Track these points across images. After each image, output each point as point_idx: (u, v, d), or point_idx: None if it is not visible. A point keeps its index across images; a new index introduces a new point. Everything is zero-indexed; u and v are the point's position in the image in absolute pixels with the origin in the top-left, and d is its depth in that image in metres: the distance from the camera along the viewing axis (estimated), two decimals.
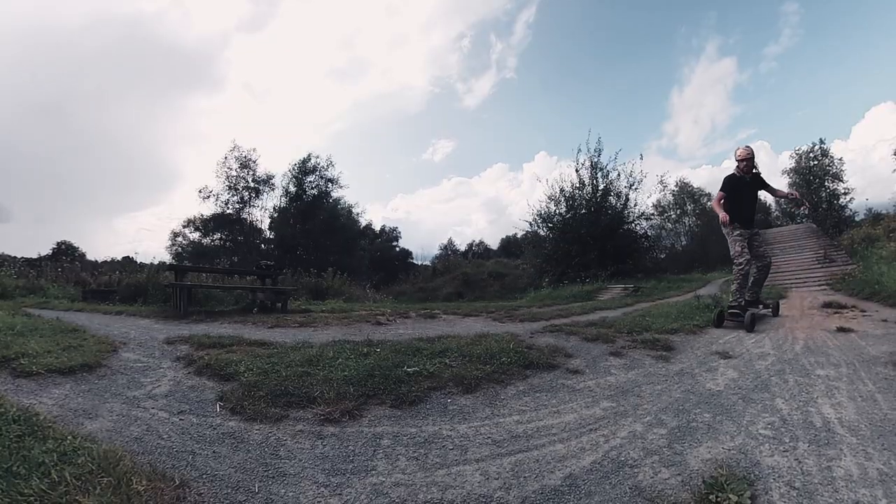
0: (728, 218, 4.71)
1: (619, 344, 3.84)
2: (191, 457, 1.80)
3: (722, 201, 5.02)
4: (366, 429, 2.09)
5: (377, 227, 35.18)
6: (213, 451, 1.85)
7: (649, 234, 22.54)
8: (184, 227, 25.57)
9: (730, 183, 5.10)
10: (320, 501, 1.52)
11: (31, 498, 1.31)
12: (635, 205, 19.15)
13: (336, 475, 1.68)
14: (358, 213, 28.80)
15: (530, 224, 19.89)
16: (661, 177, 29.29)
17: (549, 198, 19.32)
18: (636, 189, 18.87)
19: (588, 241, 17.03)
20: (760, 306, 5.30)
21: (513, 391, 2.65)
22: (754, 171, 5.19)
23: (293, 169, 26.22)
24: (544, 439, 1.99)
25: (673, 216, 34.10)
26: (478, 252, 43.45)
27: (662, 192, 31.38)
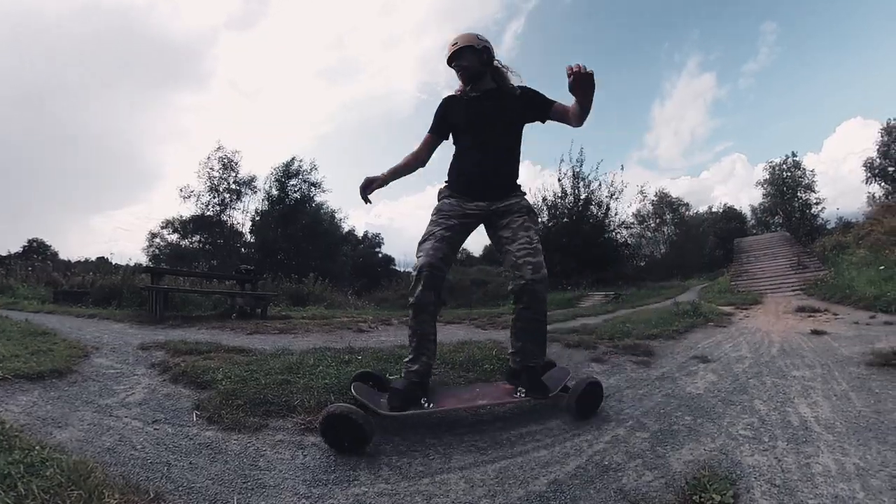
0: (370, 183, 2.41)
1: (600, 350, 3.88)
2: (166, 468, 1.73)
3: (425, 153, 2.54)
4: None
5: (360, 233, 34.76)
6: (190, 463, 1.79)
7: (629, 242, 23.15)
8: (162, 227, 25.08)
9: (444, 111, 2.49)
10: None
11: None
12: (616, 214, 19.74)
13: (317, 486, 1.64)
14: (341, 219, 28.70)
15: None
16: (642, 187, 30.28)
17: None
18: (617, 199, 19.41)
19: (570, 249, 17.30)
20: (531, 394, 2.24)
21: None
22: (510, 85, 2.39)
23: (276, 172, 26.03)
24: (528, 445, 1.99)
25: (652, 225, 35.23)
26: (460, 259, 43.50)
27: (642, 202, 32.40)
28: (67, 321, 5.55)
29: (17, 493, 1.31)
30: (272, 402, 2.35)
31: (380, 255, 34.47)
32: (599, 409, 2.35)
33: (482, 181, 2.34)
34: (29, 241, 27.58)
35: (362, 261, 30.91)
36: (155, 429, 2.11)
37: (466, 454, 1.91)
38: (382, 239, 36.45)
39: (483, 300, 18.97)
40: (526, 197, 2.43)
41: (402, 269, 33.62)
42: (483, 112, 2.35)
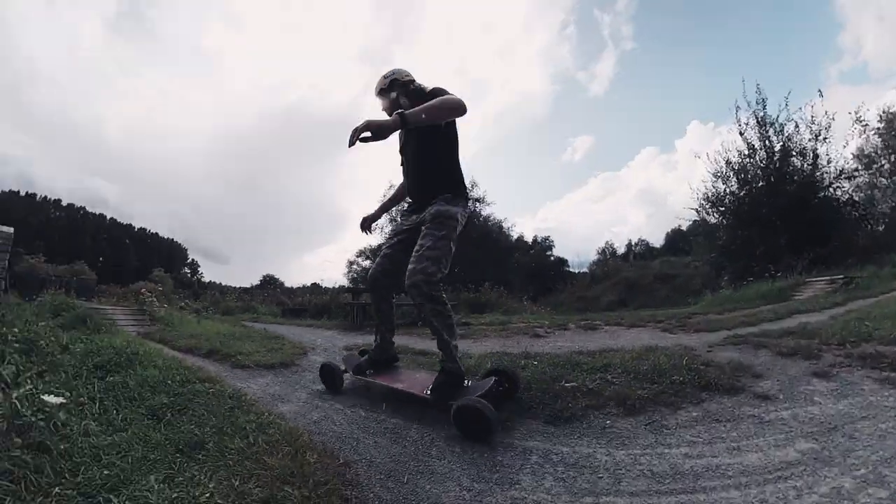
0: (366, 221, 2.96)
1: (825, 360, 2.95)
2: (355, 443, 2.05)
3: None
4: (517, 441, 2.05)
5: (529, 239, 33.93)
6: (375, 441, 2.07)
7: (856, 198, 15.48)
8: (357, 256, 29.45)
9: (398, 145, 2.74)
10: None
11: (233, 451, 1.73)
12: (828, 161, 13.45)
13: (480, 482, 1.68)
14: (509, 228, 29.40)
15: (697, 211, 15.04)
16: (856, 113, 18.42)
17: (715, 175, 14.69)
18: (825, 140, 13.25)
19: (773, 221, 12.68)
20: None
21: (683, 417, 2.25)
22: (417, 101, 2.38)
23: None
24: (716, 482, 1.64)
25: (886, 166, 21.41)
26: (639, 252, 38.36)
27: (863, 135, 19.69)
28: (292, 329, 7.25)
29: (248, 441, 1.85)
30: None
31: (552, 259, 33.17)
32: (837, 429, 1.91)
33: (410, 197, 2.68)
34: (264, 276, 39.60)
35: (534, 266, 30.33)
36: (352, 411, 2.50)
37: (639, 479, 1.70)
38: (553, 241, 34.88)
39: (670, 297, 16.33)
40: (447, 199, 2.43)
41: (576, 271, 31.70)
42: (403, 135, 2.59)
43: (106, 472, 1.47)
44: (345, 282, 27.72)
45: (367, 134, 2.03)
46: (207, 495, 1.41)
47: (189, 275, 50.72)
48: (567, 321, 6.56)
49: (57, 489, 1.34)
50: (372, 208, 2.99)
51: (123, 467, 1.51)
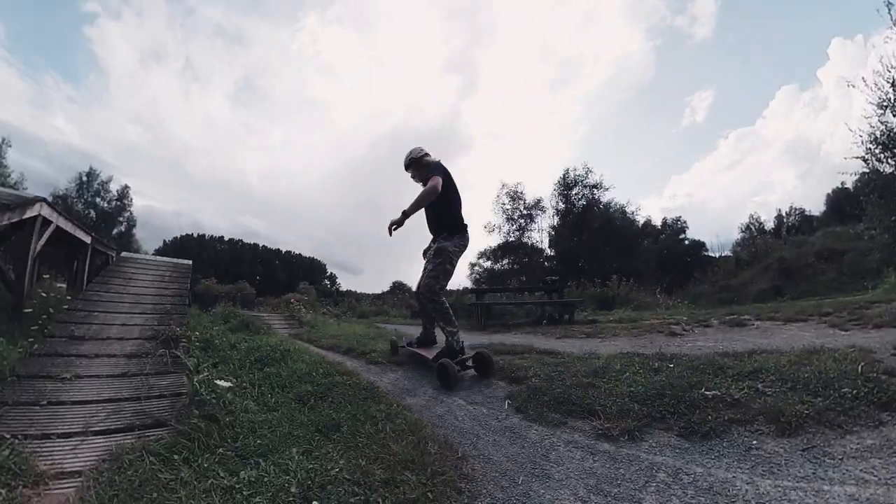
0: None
1: None
2: (475, 439, 2.09)
3: None
4: (643, 454, 1.86)
5: (657, 222, 30.60)
6: (494, 440, 2.08)
7: None
8: (478, 258, 29.90)
9: None
10: None
11: (364, 435, 1.99)
12: None
13: (598, 494, 1.58)
14: (633, 212, 26.71)
15: (864, 160, 10.60)
16: None
17: (879, 105, 9.50)
18: None
19: None
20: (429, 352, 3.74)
21: (854, 445, 1.76)
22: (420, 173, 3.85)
23: (556, 187, 27.21)
24: None
25: None
26: (793, 224, 30.57)
27: None
28: (420, 330, 7.53)
29: (377, 428, 2.11)
30: (574, 403, 2.39)
31: (686, 243, 28.79)
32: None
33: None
34: (393, 283, 43.37)
35: (666, 252, 26.76)
36: (473, 408, 2.57)
37: None
38: (685, 223, 30.59)
39: (839, 281, 12.46)
40: (443, 237, 3.63)
41: (716, 255, 26.41)
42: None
43: (259, 441, 1.82)
44: (468, 283, 28.34)
45: (396, 226, 3.38)
46: (337, 470, 1.62)
47: (329, 285, 60.34)
48: (708, 316, 5.80)
49: (221, 450, 1.73)
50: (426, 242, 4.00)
51: (273, 439, 1.85)
